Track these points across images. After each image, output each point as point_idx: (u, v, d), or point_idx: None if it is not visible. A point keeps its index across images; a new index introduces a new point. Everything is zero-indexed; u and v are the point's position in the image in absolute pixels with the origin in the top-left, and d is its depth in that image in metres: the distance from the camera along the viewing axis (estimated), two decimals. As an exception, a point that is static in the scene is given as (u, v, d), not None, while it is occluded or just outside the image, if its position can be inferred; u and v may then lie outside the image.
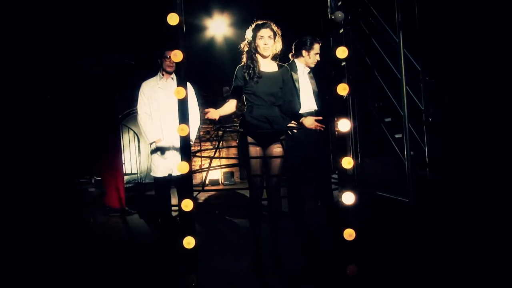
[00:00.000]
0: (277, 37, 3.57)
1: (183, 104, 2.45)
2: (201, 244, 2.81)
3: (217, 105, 9.94)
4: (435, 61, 5.16)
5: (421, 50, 5.01)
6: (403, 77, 4.92)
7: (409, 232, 4.47)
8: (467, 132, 4.77)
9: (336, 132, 2.55)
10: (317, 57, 4.58)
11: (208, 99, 9.97)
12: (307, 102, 4.46)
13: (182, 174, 2.41)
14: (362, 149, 6.66)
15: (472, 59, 4.82)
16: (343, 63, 5.80)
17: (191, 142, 3.20)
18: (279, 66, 3.66)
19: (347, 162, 2.38)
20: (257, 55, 3.57)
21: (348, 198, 2.40)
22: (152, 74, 5.02)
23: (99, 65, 7.10)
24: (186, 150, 2.42)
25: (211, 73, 9.50)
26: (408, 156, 4.93)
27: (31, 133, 5.44)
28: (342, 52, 2.36)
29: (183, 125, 2.37)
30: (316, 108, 4.53)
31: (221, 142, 10.02)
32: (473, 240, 3.85)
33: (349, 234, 2.39)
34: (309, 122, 3.46)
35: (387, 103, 5.96)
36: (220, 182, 9.91)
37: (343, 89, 2.34)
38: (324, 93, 4.60)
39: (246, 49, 3.62)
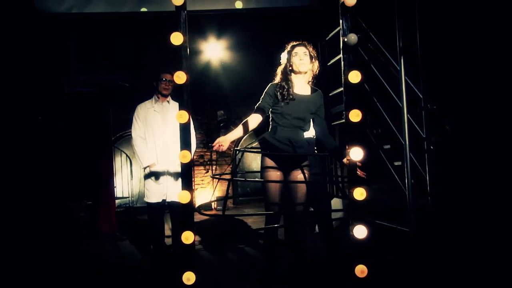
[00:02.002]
0: (313, 57, 3.44)
1: (185, 129, 2.31)
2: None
3: (211, 129, 9.98)
4: (437, 87, 5.09)
5: (423, 77, 4.92)
6: (404, 105, 4.81)
7: (410, 262, 4.32)
8: (470, 159, 4.68)
9: (347, 161, 2.42)
10: None
11: (202, 123, 9.89)
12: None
13: (183, 204, 2.24)
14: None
15: (476, 85, 4.76)
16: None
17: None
18: (313, 90, 3.50)
19: (360, 193, 2.24)
20: (292, 76, 3.43)
21: (360, 231, 2.26)
22: (147, 96, 4.92)
23: (91, 86, 7.03)
24: (187, 179, 2.26)
25: (205, 97, 9.44)
26: (409, 185, 4.80)
27: (23, 157, 5.31)
28: (355, 77, 2.24)
29: (185, 151, 2.23)
30: (315, 134, 4.41)
31: (215, 167, 9.90)
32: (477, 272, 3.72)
33: (361, 270, 2.24)
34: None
35: (386, 130, 5.86)
36: (213, 207, 9.73)
37: (356, 116, 2.21)
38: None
39: (281, 71, 3.47)
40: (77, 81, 7.77)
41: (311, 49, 3.45)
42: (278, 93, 3.35)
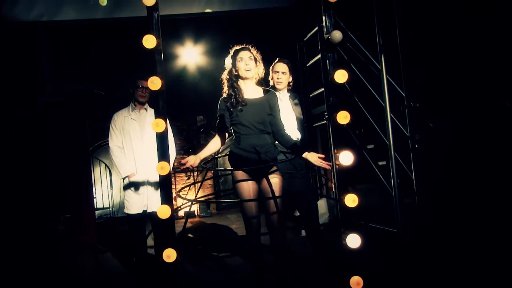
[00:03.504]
0: (258, 61, 3.36)
1: (162, 139, 2.16)
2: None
3: (191, 134, 9.79)
4: (419, 85, 5.03)
5: (405, 75, 4.84)
6: (387, 104, 4.72)
7: (399, 262, 4.24)
8: (454, 156, 4.63)
9: (337, 166, 2.30)
10: (277, 76, 4.34)
11: (181, 129, 9.74)
12: (289, 130, 4.21)
13: (162, 220, 2.09)
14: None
15: (457, 82, 4.71)
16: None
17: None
18: (265, 91, 3.41)
19: (352, 200, 2.12)
20: (239, 82, 3.35)
21: (354, 241, 2.14)
22: (124, 104, 4.76)
23: (67, 95, 6.84)
24: (167, 192, 2.11)
25: (184, 102, 9.27)
26: (395, 186, 4.71)
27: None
28: (341, 76, 2.12)
29: (163, 163, 2.08)
30: (299, 137, 4.31)
31: (196, 173, 9.74)
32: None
33: (356, 282, 2.11)
34: (315, 158, 3.10)
35: (368, 130, 5.78)
36: (196, 214, 9.56)
37: (343, 118, 2.09)
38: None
39: (226, 78, 3.40)
40: (51, 91, 7.56)
41: (255, 52, 3.39)
42: (229, 104, 3.30)
